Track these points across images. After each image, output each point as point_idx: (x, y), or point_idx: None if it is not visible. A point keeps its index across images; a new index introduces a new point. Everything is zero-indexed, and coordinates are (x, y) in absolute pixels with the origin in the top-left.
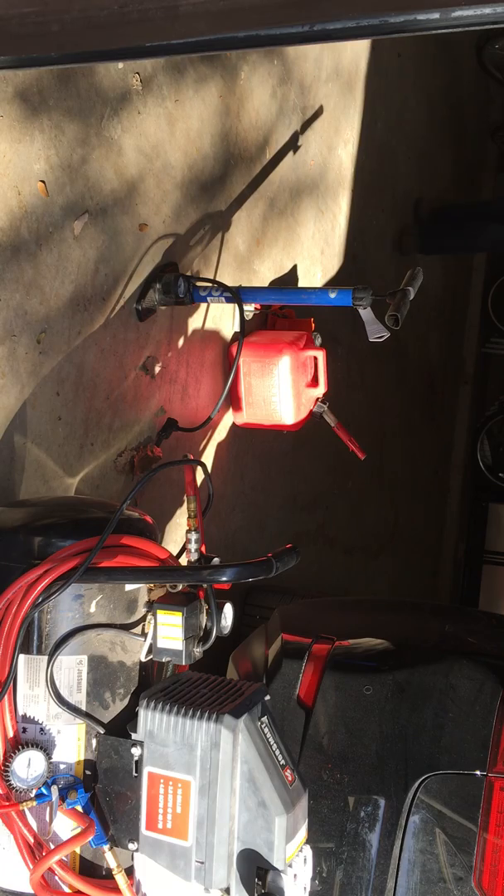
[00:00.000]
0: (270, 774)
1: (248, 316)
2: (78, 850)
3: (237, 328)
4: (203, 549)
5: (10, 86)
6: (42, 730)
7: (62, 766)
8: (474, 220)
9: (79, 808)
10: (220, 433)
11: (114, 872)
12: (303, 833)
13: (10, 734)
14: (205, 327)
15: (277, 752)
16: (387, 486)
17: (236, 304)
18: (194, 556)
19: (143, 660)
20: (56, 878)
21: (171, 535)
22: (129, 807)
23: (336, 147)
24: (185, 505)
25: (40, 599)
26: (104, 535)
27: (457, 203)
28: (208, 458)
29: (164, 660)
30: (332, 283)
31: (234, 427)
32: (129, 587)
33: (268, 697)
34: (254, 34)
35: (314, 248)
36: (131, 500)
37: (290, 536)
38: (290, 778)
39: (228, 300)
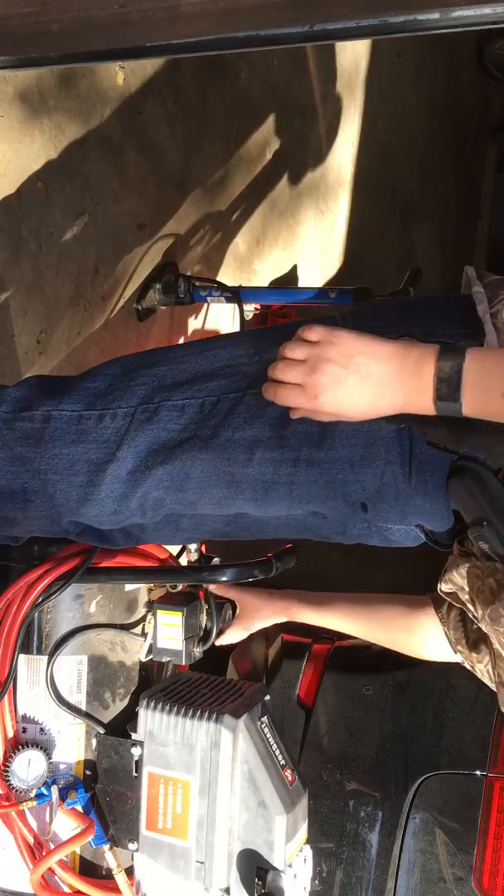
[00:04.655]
0: (270, 774)
1: (248, 316)
2: (78, 850)
3: (237, 328)
4: (203, 549)
5: (10, 86)
6: (42, 730)
7: (62, 766)
8: None
9: (79, 808)
10: None
11: (114, 872)
12: (303, 833)
13: (10, 734)
14: (205, 327)
15: (277, 752)
16: None
17: (236, 304)
18: (194, 556)
19: (143, 660)
20: (56, 878)
21: None
22: (129, 807)
23: (336, 147)
24: None
25: (40, 599)
26: None
27: None
28: None
29: (164, 660)
30: (332, 283)
31: None
32: (129, 587)
33: (268, 697)
34: (254, 34)
35: (314, 248)
36: None
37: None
38: (290, 778)
39: (228, 300)
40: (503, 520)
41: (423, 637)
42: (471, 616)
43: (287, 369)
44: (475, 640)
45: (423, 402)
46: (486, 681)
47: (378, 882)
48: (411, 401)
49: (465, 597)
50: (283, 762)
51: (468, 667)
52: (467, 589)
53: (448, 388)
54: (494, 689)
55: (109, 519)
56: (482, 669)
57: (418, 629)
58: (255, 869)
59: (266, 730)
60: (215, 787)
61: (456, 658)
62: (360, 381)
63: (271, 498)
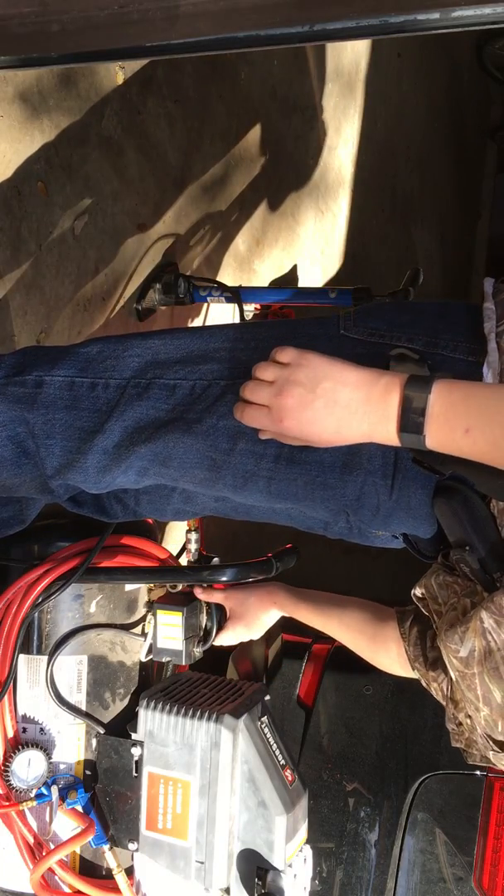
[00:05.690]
0: (270, 774)
1: (248, 316)
2: (78, 850)
3: None
4: (203, 549)
5: (10, 86)
6: (42, 730)
7: (62, 766)
8: None
9: (79, 808)
10: None
11: (114, 872)
12: (303, 833)
13: (10, 734)
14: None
15: (277, 752)
16: None
17: (236, 304)
18: (194, 556)
19: (143, 660)
20: (56, 878)
21: (171, 535)
22: (129, 807)
23: (336, 147)
24: None
25: (40, 599)
26: (104, 535)
27: None
28: None
29: (164, 660)
30: (332, 283)
31: None
32: (129, 587)
33: (268, 697)
34: (254, 34)
35: (314, 248)
36: None
37: (290, 536)
38: (290, 778)
39: (228, 300)
40: (487, 547)
41: (383, 647)
42: (433, 626)
43: (256, 390)
44: (433, 659)
45: (387, 431)
46: (440, 699)
47: (378, 882)
48: (376, 429)
49: (434, 607)
50: (283, 762)
51: (424, 685)
52: (440, 600)
53: (412, 419)
54: (444, 705)
55: (95, 486)
56: (437, 688)
57: (381, 639)
58: (255, 869)
59: (266, 730)
60: (215, 787)
61: (413, 674)
62: (325, 406)
63: (250, 489)
